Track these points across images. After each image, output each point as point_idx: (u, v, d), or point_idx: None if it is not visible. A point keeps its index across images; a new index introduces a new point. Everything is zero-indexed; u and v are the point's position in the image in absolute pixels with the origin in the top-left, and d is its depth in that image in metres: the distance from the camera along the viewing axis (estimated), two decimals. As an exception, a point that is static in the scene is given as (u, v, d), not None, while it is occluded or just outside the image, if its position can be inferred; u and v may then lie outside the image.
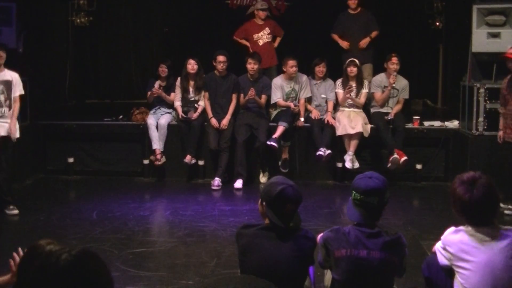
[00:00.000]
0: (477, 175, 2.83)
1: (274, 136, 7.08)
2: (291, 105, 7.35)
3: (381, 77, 7.51)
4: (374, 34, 8.09)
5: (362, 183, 2.97)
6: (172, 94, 7.59)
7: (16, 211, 6.00)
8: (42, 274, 1.61)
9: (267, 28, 8.29)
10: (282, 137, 7.22)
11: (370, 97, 7.58)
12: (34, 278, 1.62)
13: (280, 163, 7.39)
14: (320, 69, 7.50)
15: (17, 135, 6.08)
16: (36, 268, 1.63)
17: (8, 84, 6.03)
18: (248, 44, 8.36)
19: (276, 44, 8.40)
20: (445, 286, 2.94)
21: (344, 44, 8.13)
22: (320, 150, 7.10)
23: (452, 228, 2.91)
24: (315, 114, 7.39)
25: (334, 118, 7.33)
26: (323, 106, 7.60)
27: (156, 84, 7.52)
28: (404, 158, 7.00)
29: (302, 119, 7.45)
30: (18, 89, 6.09)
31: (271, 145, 7.05)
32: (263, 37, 8.29)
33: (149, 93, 7.59)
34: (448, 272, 2.92)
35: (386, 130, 7.21)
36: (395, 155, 6.99)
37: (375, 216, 3.01)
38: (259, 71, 7.54)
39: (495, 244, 2.76)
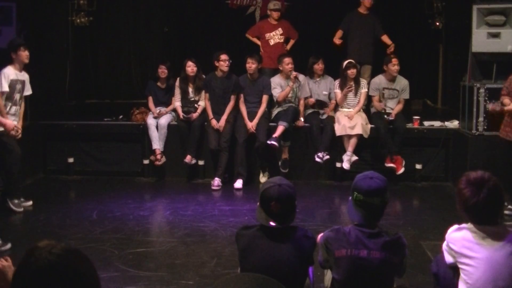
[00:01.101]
0: (486, 176, 2.79)
1: (274, 136, 7.09)
2: (294, 74, 7.32)
3: (379, 79, 7.52)
4: (385, 37, 8.15)
5: (364, 184, 2.96)
6: (173, 98, 7.63)
7: (20, 209, 6.07)
8: (22, 274, 1.59)
9: (280, 29, 8.23)
10: (282, 137, 7.23)
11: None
12: (15, 278, 1.60)
13: (280, 163, 7.39)
14: (319, 66, 7.59)
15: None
16: (18, 268, 1.61)
17: (23, 84, 6.14)
18: (259, 43, 8.32)
19: (288, 47, 8.32)
20: (452, 283, 2.95)
21: (337, 41, 8.14)
22: (318, 156, 7.12)
23: (455, 226, 2.92)
24: (311, 101, 7.47)
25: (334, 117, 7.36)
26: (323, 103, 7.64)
27: (157, 110, 7.57)
28: (401, 171, 7.09)
29: (302, 119, 7.46)
30: (29, 89, 6.25)
31: (272, 144, 7.05)
32: (274, 37, 8.24)
33: (149, 98, 7.67)
34: (455, 270, 2.93)
35: (386, 132, 7.22)
36: (393, 165, 7.08)
37: (377, 217, 3.00)
38: (260, 71, 7.54)
39: (497, 240, 2.77)
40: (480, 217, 2.80)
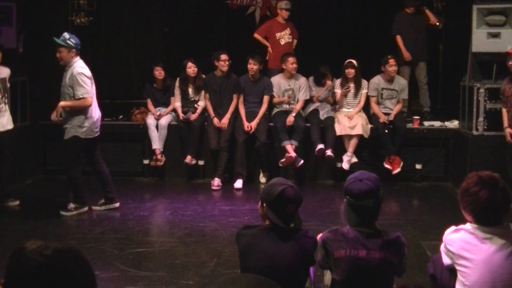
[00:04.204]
0: (496, 176, 2.78)
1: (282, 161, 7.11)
2: (285, 99, 7.37)
3: (378, 80, 7.51)
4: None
5: (355, 188, 2.95)
6: (172, 98, 7.62)
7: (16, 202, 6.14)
8: (12, 276, 1.57)
9: (288, 29, 8.19)
10: (295, 137, 7.23)
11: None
12: (7, 279, 1.59)
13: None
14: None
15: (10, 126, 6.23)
16: (8, 270, 1.59)
17: (4, 82, 6.14)
18: (267, 43, 8.25)
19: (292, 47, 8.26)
20: (449, 285, 2.95)
21: (406, 55, 8.00)
22: (321, 144, 7.08)
23: (453, 227, 2.91)
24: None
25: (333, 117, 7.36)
26: (323, 105, 7.62)
27: (157, 111, 7.61)
28: (397, 171, 7.09)
29: (293, 114, 7.38)
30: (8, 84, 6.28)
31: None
32: (285, 36, 8.20)
33: (148, 100, 7.69)
34: (452, 271, 2.93)
35: (384, 132, 7.21)
36: (389, 166, 7.09)
37: (372, 218, 3.00)
38: (266, 72, 7.54)
39: (494, 241, 2.76)
40: (490, 218, 2.78)
